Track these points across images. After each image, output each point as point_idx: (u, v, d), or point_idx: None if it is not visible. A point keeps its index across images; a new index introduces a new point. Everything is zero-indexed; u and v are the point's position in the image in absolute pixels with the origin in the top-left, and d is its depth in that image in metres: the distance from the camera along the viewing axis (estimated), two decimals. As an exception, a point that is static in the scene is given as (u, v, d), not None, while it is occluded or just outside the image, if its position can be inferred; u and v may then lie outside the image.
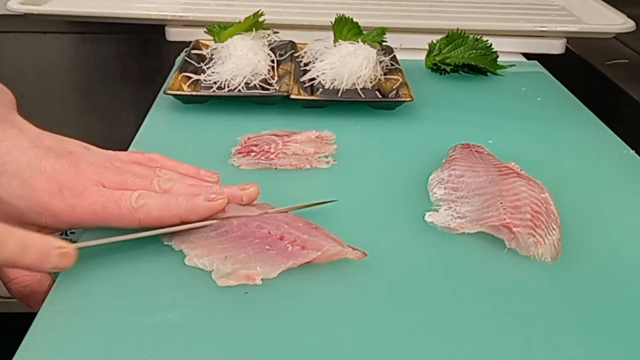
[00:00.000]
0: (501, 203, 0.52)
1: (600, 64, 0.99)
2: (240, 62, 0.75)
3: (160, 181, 0.50)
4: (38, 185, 0.47)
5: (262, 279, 0.45)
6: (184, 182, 0.51)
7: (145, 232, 0.48)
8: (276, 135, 0.64)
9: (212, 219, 0.49)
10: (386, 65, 0.81)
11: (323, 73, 0.76)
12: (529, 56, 0.97)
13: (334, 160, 0.63)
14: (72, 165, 0.48)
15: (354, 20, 0.81)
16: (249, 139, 0.65)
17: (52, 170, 0.48)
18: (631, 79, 0.93)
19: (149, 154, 0.55)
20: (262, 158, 0.61)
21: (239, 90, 0.74)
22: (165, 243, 0.49)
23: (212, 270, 0.46)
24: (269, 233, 0.47)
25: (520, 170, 0.57)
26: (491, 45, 0.86)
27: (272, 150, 0.62)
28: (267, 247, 0.47)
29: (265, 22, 0.82)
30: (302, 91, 0.74)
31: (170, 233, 0.49)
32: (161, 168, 0.52)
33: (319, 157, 0.62)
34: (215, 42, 0.81)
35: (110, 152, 0.53)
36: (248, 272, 0.46)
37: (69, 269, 0.45)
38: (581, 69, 1.01)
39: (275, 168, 0.60)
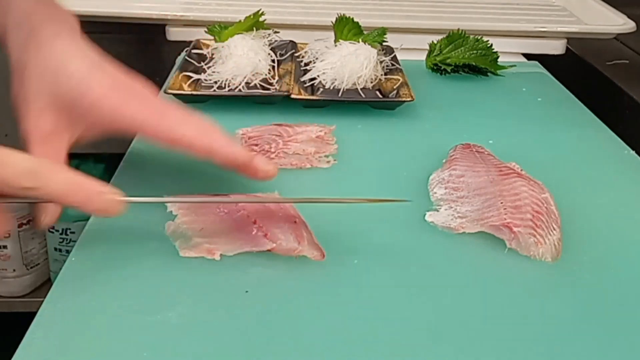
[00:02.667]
0: (502, 203, 0.52)
1: (600, 64, 0.99)
2: (240, 62, 0.75)
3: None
4: (98, 77, 0.49)
5: (221, 255, 0.47)
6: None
7: (179, 199, 0.51)
8: (277, 135, 0.64)
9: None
10: (387, 65, 0.81)
11: (323, 73, 0.76)
12: (529, 56, 0.97)
13: (335, 160, 0.63)
14: (130, 78, 0.51)
15: (355, 20, 0.81)
16: (248, 138, 0.64)
17: (113, 72, 0.51)
18: (631, 79, 0.93)
19: None
20: None
21: (240, 90, 0.74)
22: (168, 209, 0.52)
23: (176, 240, 0.48)
24: (247, 216, 0.49)
25: (521, 170, 0.57)
26: (492, 45, 0.86)
27: (272, 150, 0.62)
28: (238, 227, 0.49)
29: (265, 21, 0.82)
30: (302, 91, 0.74)
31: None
32: None
33: (320, 157, 0.62)
34: (216, 41, 0.81)
35: None
36: (210, 246, 0.48)
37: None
38: (581, 69, 1.01)
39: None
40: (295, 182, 0.59)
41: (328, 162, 0.62)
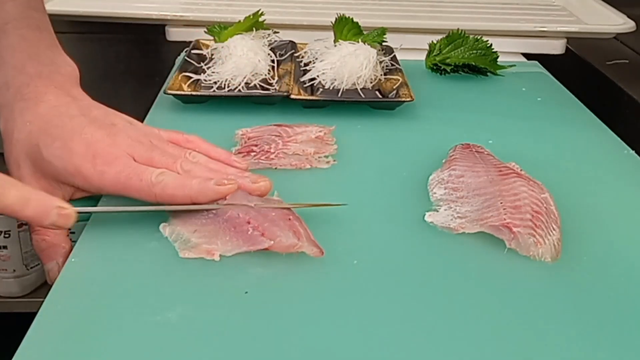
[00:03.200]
0: (501, 203, 0.52)
1: (600, 64, 0.99)
2: (240, 62, 0.75)
3: (184, 162, 0.53)
4: (76, 149, 0.51)
5: (220, 255, 0.48)
6: (207, 165, 0.55)
7: (148, 207, 0.51)
8: (276, 135, 0.64)
9: (216, 204, 0.51)
10: (386, 65, 0.81)
11: (323, 73, 0.76)
12: (529, 56, 0.97)
13: (334, 160, 0.63)
14: (110, 136, 0.53)
15: (354, 20, 0.81)
16: (248, 138, 0.64)
17: (91, 137, 0.52)
18: (631, 79, 0.93)
19: (187, 135, 0.58)
20: (263, 158, 0.61)
21: (239, 90, 0.74)
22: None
23: (176, 241, 0.49)
24: (239, 216, 0.49)
25: (520, 170, 0.57)
26: (491, 45, 0.86)
27: (272, 150, 0.62)
28: (232, 228, 0.49)
29: (265, 22, 0.82)
30: (302, 91, 0.74)
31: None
32: (192, 150, 0.56)
33: (319, 157, 0.62)
34: (216, 42, 0.81)
35: (152, 129, 0.57)
36: (209, 247, 0.48)
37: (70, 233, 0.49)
38: (581, 69, 1.01)
39: (276, 168, 0.60)
40: (295, 183, 0.59)
41: (328, 162, 0.62)
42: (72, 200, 0.53)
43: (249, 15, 0.81)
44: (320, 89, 0.76)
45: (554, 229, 0.50)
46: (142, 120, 0.70)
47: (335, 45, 0.80)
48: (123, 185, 0.51)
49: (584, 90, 0.85)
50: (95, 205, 0.54)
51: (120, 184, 0.51)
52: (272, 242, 0.47)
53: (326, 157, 0.63)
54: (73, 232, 0.53)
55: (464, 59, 0.85)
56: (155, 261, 0.48)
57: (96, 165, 0.51)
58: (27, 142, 0.52)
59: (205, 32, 0.83)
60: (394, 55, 0.83)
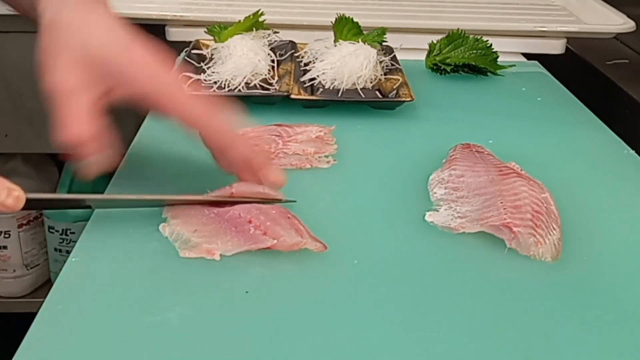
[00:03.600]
0: (501, 203, 0.52)
1: (600, 64, 0.99)
2: (240, 62, 0.75)
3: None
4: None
5: (220, 255, 0.47)
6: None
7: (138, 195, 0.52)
8: (276, 135, 0.64)
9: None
10: (386, 65, 0.81)
11: (323, 73, 0.76)
12: (529, 56, 0.97)
13: (334, 160, 0.63)
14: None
15: (354, 20, 0.81)
16: (248, 138, 0.64)
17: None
18: (631, 79, 0.93)
19: None
20: None
21: (239, 90, 0.74)
22: (163, 215, 0.52)
23: (176, 241, 0.49)
24: (239, 215, 0.49)
25: (521, 170, 0.57)
26: (491, 45, 0.86)
27: (272, 150, 0.62)
28: (233, 227, 0.49)
29: (265, 22, 0.82)
30: (302, 91, 0.74)
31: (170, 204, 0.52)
32: None
33: (319, 157, 0.62)
34: (215, 42, 0.81)
35: None
36: (209, 246, 0.48)
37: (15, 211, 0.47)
38: (581, 69, 1.01)
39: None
40: (295, 183, 0.59)
41: (328, 162, 0.62)
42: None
43: (249, 15, 0.81)
44: (321, 89, 0.75)
45: (554, 229, 0.50)
46: (142, 121, 0.71)
47: (335, 45, 0.80)
48: (164, 87, 0.51)
49: (584, 90, 0.85)
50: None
51: (159, 84, 0.51)
52: (275, 240, 0.47)
53: (326, 156, 0.63)
54: (73, 233, 0.53)
55: (464, 59, 0.85)
56: (155, 261, 0.48)
57: (143, 62, 0.51)
58: (74, 34, 0.51)
59: (205, 32, 0.83)
60: (394, 55, 0.83)
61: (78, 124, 0.50)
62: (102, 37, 0.51)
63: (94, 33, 0.52)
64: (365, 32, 0.81)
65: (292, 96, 0.72)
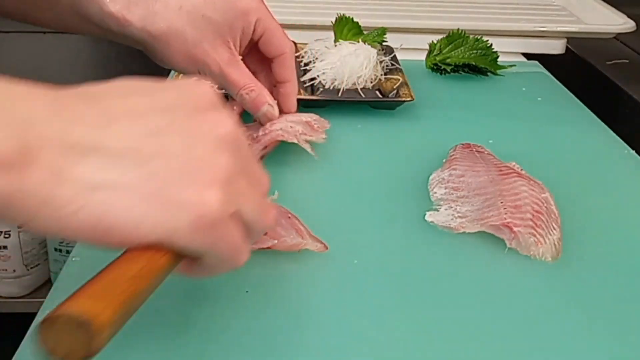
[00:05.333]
0: (502, 203, 0.52)
1: (600, 64, 0.99)
2: (240, 62, 0.75)
3: None
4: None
5: None
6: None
7: None
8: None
9: None
10: (386, 65, 0.80)
11: (323, 73, 0.76)
12: (529, 56, 0.97)
13: (314, 152, 0.61)
14: None
15: (355, 20, 0.81)
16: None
17: None
18: (631, 79, 0.93)
19: None
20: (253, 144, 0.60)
21: (239, 90, 0.74)
22: None
23: None
24: None
25: (521, 170, 0.57)
26: (491, 45, 0.86)
27: (260, 133, 0.61)
28: None
29: (265, 22, 0.82)
30: (302, 91, 0.74)
31: None
32: None
33: (306, 139, 0.61)
34: (216, 42, 0.81)
35: None
36: None
37: None
38: (581, 69, 1.01)
39: (265, 147, 0.59)
40: (295, 183, 0.59)
41: (312, 149, 0.61)
42: None
43: (249, 15, 0.81)
44: (321, 89, 0.75)
45: (554, 229, 0.50)
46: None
47: (335, 45, 0.80)
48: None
49: (584, 90, 0.85)
50: None
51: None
52: (275, 241, 0.47)
53: (311, 142, 0.61)
54: (71, 246, 0.53)
55: (464, 59, 0.85)
56: (155, 261, 0.47)
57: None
58: (196, 15, 0.56)
59: (205, 32, 0.83)
60: (394, 55, 0.83)
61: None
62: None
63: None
64: (365, 32, 0.81)
65: (292, 96, 0.72)
